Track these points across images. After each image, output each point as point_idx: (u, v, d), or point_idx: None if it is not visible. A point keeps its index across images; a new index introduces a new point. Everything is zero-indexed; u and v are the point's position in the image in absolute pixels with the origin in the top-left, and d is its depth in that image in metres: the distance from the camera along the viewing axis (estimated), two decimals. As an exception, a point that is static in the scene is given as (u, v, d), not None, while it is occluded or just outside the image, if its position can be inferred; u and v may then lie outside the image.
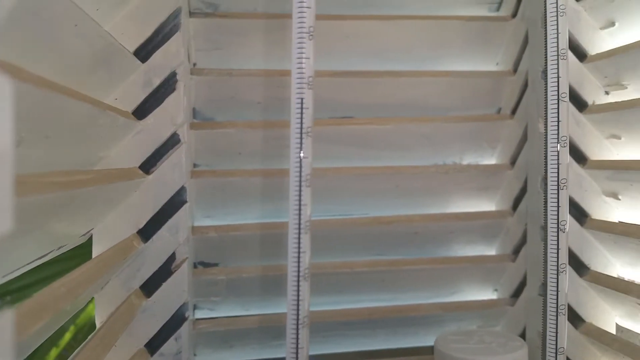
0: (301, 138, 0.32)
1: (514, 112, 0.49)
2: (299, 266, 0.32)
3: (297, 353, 0.31)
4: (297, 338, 0.32)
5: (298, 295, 0.32)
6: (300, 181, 0.32)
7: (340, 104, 0.48)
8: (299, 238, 0.32)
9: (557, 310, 0.33)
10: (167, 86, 0.40)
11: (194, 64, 0.46)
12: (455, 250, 0.50)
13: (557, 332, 0.33)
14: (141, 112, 0.40)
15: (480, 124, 0.49)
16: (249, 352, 0.45)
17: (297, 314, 0.32)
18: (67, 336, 0.73)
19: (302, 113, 0.32)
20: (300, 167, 0.32)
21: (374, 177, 0.47)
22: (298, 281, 0.32)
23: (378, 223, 0.47)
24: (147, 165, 0.40)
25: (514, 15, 0.49)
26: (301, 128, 0.32)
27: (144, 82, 0.40)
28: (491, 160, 0.51)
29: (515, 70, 0.49)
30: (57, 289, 0.24)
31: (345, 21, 0.47)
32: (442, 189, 0.49)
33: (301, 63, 0.32)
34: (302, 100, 0.32)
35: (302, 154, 0.32)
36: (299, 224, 0.32)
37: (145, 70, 0.40)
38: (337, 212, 0.48)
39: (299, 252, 0.32)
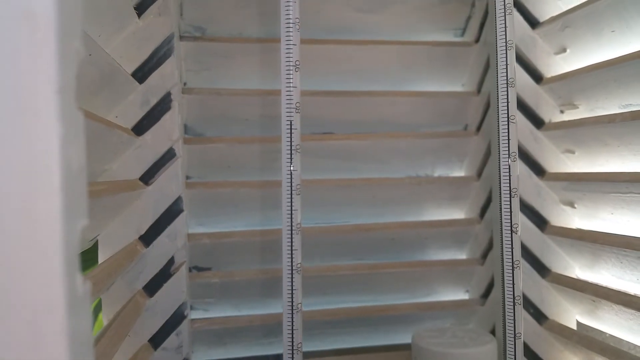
0: (291, 154, 0.37)
1: (478, 128, 0.53)
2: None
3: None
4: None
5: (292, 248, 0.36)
6: (291, 190, 0.37)
7: (321, 120, 0.52)
8: (291, 237, 0.36)
9: (513, 300, 0.37)
10: (163, 105, 0.44)
11: (185, 84, 0.50)
12: (430, 254, 0.53)
13: (514, 320, 0.37)
14: (139, 128, 0.43)
15: (449, 139, 0.53)
16: (242, 349, 0.48)
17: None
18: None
19: (291, 133, 0.37)
20: (291, 178, 0.37)
21: (353, 188, 0.51)
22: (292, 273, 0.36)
23: (358, 230, 0.51)
24: (146, 177, 0.43)
25: (477, 40, 0.53)
26: (291, 145, 0.37)
27: (142, 101, 0.43)
28: (460, 173, 0.55)
29: (479, 90, 0.53)
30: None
31: (326, 45, 0.51)
32: (416, 199, 0.53)
33: (290, 91, 0.37)
34: (291, 123, 0.37)
35: (292, 167, 0.37)
36: (291, 227, 0.36)
37: (142, 90, 0.43)
38: (321, 220, 0.52)
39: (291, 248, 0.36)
